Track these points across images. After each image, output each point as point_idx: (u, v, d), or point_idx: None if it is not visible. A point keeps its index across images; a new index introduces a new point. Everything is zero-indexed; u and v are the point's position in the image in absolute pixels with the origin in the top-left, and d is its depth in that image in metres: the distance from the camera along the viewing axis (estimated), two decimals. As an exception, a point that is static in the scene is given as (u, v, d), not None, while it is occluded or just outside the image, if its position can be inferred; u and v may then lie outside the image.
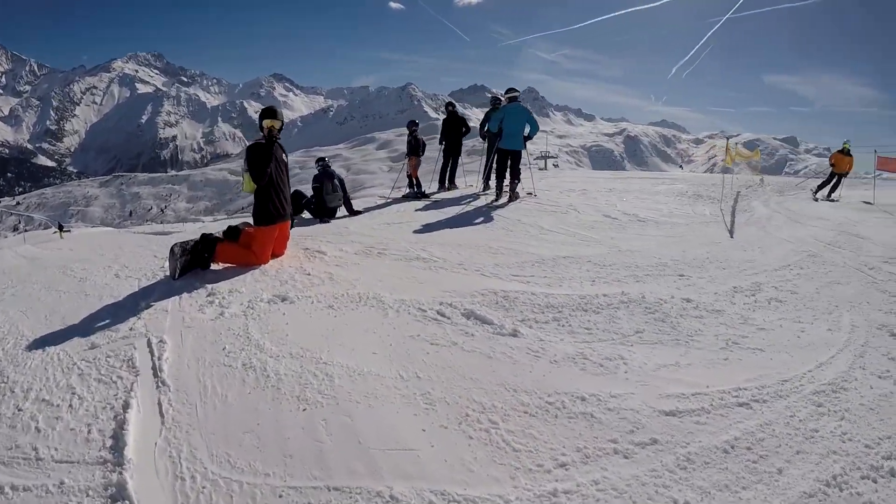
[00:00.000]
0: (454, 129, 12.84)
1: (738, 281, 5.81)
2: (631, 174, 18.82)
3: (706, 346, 4.12)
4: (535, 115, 10.54)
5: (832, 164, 14.51)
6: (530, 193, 11.13)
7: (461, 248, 6.65)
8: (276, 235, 5.95)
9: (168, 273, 5.50)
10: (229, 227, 6.10)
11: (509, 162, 10.58)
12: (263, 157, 5.66)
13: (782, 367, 3.80)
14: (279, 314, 4.49)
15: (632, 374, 3.61)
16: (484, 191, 12.20)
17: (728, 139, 12.96)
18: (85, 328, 4.37)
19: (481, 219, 8.92)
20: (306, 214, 10.21)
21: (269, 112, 5.83)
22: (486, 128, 12.05)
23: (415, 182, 12.45)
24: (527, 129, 10.50)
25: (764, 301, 5.20)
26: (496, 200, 10.58)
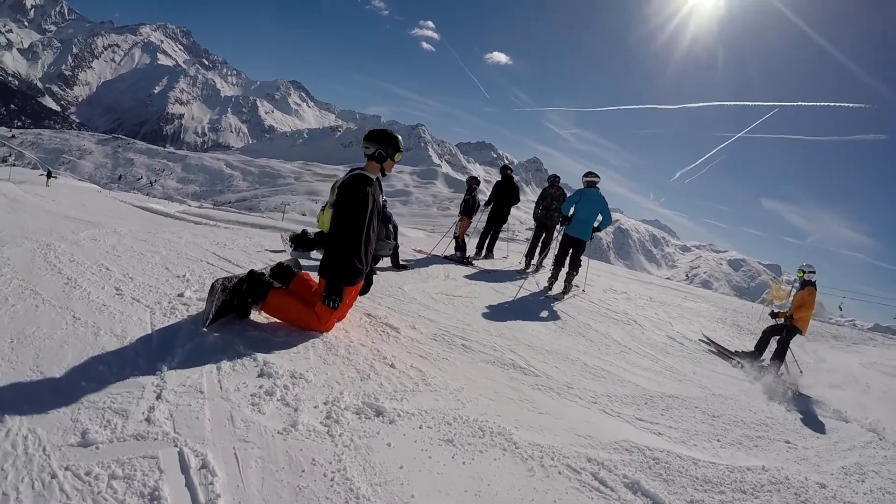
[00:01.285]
0: (507, 195, 11.36)
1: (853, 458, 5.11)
2: (651, 279, 17.64)
3: None
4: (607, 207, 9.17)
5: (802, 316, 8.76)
6: (577, 286, 9.78)
7: (553, 357, 5.46)
8: (352, 297, 4.45)
9: (184, 301, 4.45)
10: (279, 266, 4.59)
11: (571, 250, 9.17)
12: (365, 199, 4.17)
13: None
14: (382, 444, 2.90)
15: None
16: (525, 269, 10.86)
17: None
18: (71, 390, 2.83)
19: (546, 313, 7.63)
20: None
21: (395, 141, 4.38)
22: (540, 207, 10.98)
23: (462, 244, 10.86)
24: (598, 219, 9.18)
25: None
26: (549, 288, 9.21)
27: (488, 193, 11.71)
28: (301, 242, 7.90)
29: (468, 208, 11.11)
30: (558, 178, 11.07)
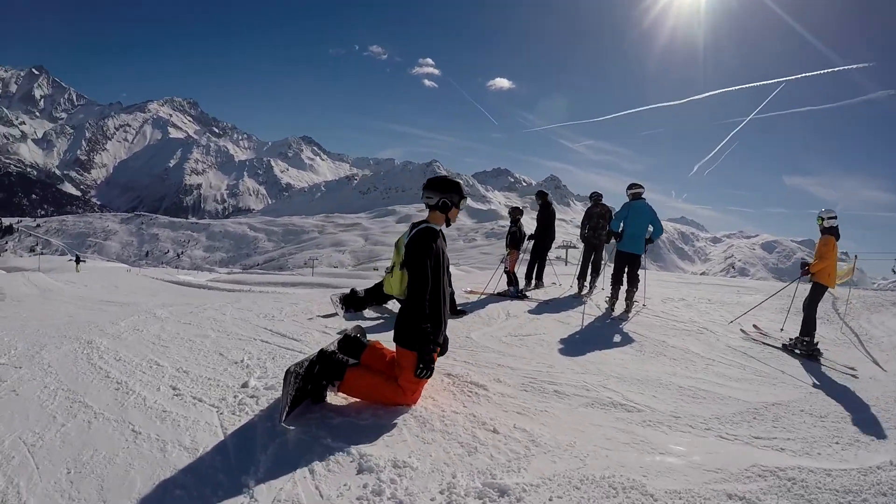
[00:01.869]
0: (548, 222, 11.11)
1: None
2: (699, 279, 17.17)
3: None
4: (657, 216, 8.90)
5: (817, 266, 7.80)
6: (637, 301, 9.48)
7: (647, 385, 5.20)
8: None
9: (250, 393, 4.17)
10: (346, 338, 4.38)
11: (627, 267, 8.93)
12: (438, 254, 3.90)
13: None
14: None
15: None
16: (580, 293, 10.57)
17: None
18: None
19: (619, 336, 7.34)
20: (392, 305, 8.28)
21: (458, 188, 4.09)
22: (587, 228, 10.71)
23: (514, 279, 10.56)
24: (649, 230, 8.95)
25: None
26: (612, 309, 8.93)
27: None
28: (353, 302, 7.63)
29: (515, 240, 10.90)
30: (601, 195, 10.78)
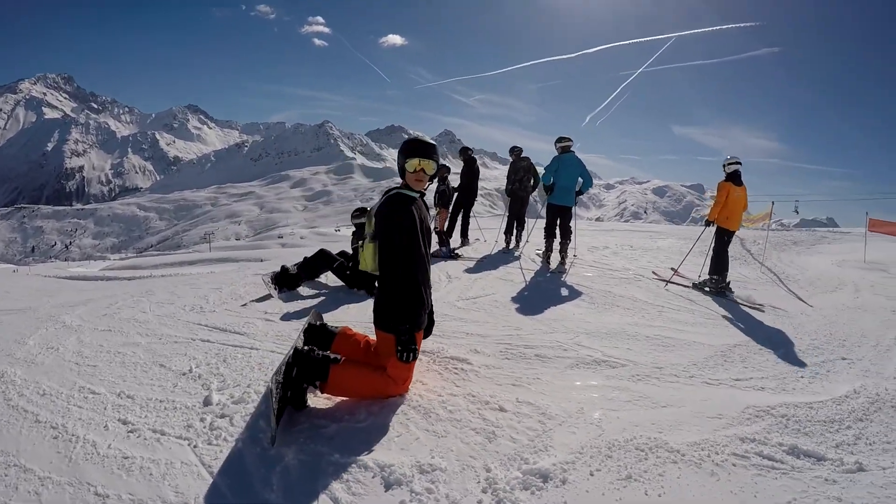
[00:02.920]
0: (471, 178, 10.90)
1: None
2: (612, 226, 17.74)
3: None
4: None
5: (712, 213, 8.26)
6: (573, 253, 9.49)
7: (616, 338, 5.16)
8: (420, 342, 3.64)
9: (218, 412, 3.38)
10: (311, 328, 3.83)
11: (559, 220, 8.84)
12: (411, 221, 3.31)
13: None
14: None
15: None
16: (509, 247, 10.50)
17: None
18: None
19: (565, 290, 7.24)
20: (326, 279, 7.68)
21: (405, 146, 3.47)
22: (513, 181, 10.50)
23: (446, 239, 10.25)
24: (579, 183, 8.84)
25: None
26: (548, 262, 8.92)
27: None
28: (285, 281, 6.96)
29: (444, 199, 10.54)
30: (521, 149, 10.59)
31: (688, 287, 8.06)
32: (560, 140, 8.96)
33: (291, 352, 3.34)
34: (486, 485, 2.61)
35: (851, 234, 17.80)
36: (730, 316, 6.56)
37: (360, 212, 7.78)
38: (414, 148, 3.41)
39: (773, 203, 13.26)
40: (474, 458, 2.84)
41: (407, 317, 3.26)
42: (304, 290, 7.13)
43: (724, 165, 8.25)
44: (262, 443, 2.95)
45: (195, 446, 2.97)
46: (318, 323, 3.94)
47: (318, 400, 3.46)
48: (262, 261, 16.84)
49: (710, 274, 8.13)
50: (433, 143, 3.48)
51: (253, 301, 6.54)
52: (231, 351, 4.56)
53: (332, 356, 3.39)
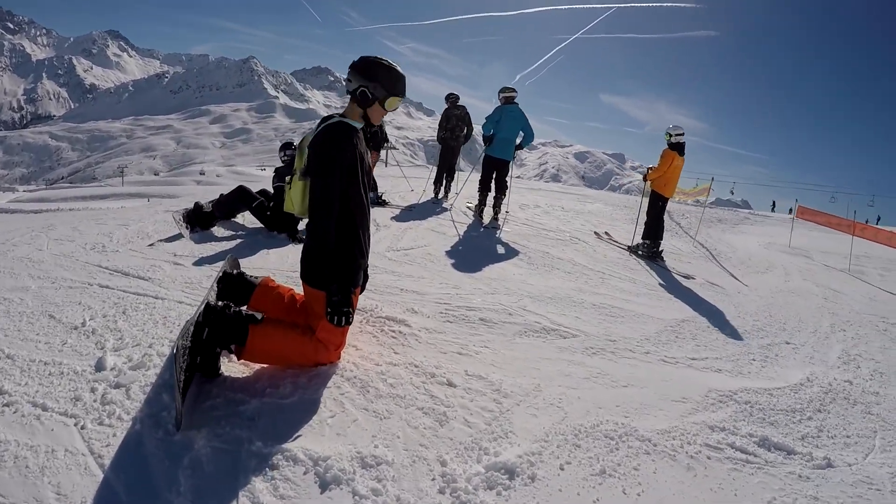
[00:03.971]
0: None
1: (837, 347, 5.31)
2: (538, 185, 17.61)
3: None
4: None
5: (652, 175, 8.37)
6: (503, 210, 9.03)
7: (562, 305, 4.89)
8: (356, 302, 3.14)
9: (113, 381, 2.73)
10: (227, 278, 3.25)
11: (495, 174, 8.38)
12: (352, 157, 2.79)
13: None
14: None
15: None
16: (437, 197, 10.02)
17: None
18: None
19: (501, 248, 6.92)
20: (244, 220, 6.81)
21: (390, 76, 2.88)
22: (445, 130, 9.95)
23: (373, 183, 9.56)
24: (519, 137, 8.41)
25: None
26: (480, 216, 8.53)
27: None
28: (198, 220, 6.13)
29: (377, 141, 9.83)
30: (457, 96, 9.99)
31: (623, 249, 8.08)
32: (504, 90, 8.46)
33: (202, 308, 2.75)
34: (442, 483, 2.19)
35: (771, 218, 18.82)
36: (670, 287, 6.52)
37: (287, 147, 7.03)
38: (402, 84, 2.93)
39: (713, 179, 13.59)
40: (425, 447, 2.40)
41: (340, 272, 2.78)
42: (218, 230, 6.34)
43: (669, 134, 8.24)
44: (165, 424, 2.40)
45: (83, 427, 2.38)
46: (234, 272, 3.34)
47: (232, 366, 2.94)
48: (175, 197, 15.58)
49: (643, 238, 8.17)
50: (402, 73, 2.98)
51: (161, 241, 5.74)
52: (132, 300, 3.90)
53: (251, 314, 2.83)
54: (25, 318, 3.54)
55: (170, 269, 4.75)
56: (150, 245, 5.57)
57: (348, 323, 2.78)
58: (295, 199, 2.94)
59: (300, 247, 5.54)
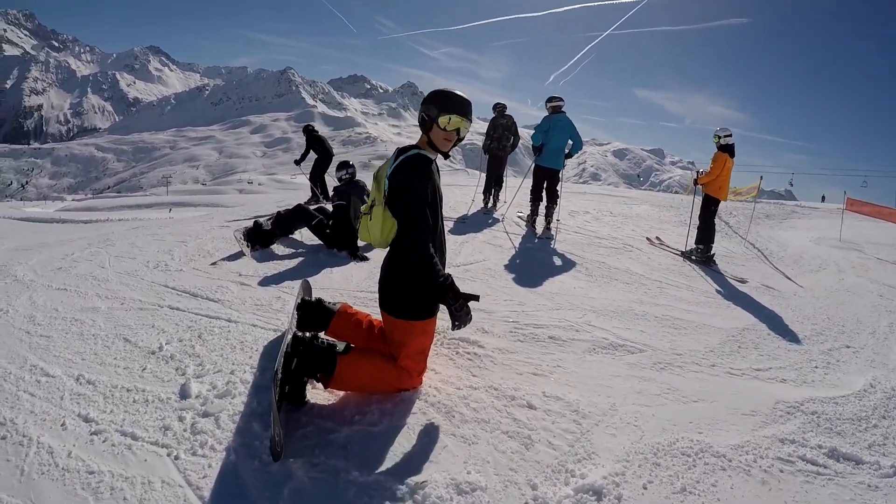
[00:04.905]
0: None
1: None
2: (583, 189, 17.59)
3: None
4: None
5: (704, 179, 8.32)
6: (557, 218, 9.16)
7: (626, 318, 5.01)
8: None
9: (199, 409, 2.89)
10: (305, 305, 3.39)
11: (546, 183, 8.62)
12: (432, 186, 2.94)
13: None
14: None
15: None
16: (487, 207, 10.18)
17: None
18: None
19: (558, 260, 7.08)
20: (301, 237, 7.09)
21: (441, 99, 2.94)
22: (491, 139, 10.10)
23: None
24: (568, 146, 8.60)
25: None
26: (533, 227, 8.69)
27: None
28: (259, 238, 6.42)
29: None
30: (505, 106, 10.15)
31: (676, 255, 8.15)
32: (551, 100, 8.63)
33: (290, 339, 2.90)
34: (533, 505, 2.39)
35: (819, 209, 18.44)
36: (727, 293, 6.57)
37: (345, 166, 7.20)
38: (456, 103, 2.91)
39: (761, 178, 13.39)
40: (514, 471, 2.57)
41: (438, 292, 2.84)
42: (278, 248, 6.59)
43: (717, 136, 8.30)
44: (259, 454, 2.52)
45: (177, 458, 2.49)
46: (313, 299, 3.48)
47: (316, 393, 3.06)
48: (218, 206, 16.09)
49: (696, 243, 8.22)
50: (467, 100, 2.99)
51: (223, 259, 6.02)
52: (206, 323, 4.06)
53: (338, 344, 3.01)
54: (100, 341, 3.72)
55: (237, 289, 4.92)
56: (213, 264, 5.85)
57: (468, 321, 2.89)
58: (374, 230, 2.98)
59: (363, 265, 5.95)
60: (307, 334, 3.01)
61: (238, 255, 6.16)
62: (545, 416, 3.04)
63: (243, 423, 2.74)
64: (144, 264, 5.79)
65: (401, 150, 3.03)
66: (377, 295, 3.12)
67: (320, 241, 6.76)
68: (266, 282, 5.24)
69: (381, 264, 3.15)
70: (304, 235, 7.03)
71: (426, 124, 2.96)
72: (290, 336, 2.95)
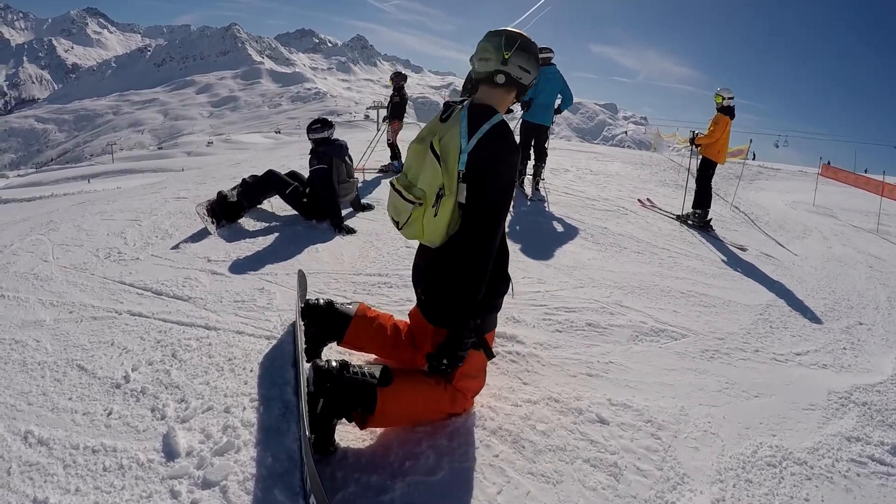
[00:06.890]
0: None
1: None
2: (553, 143, 17.35)
3: None
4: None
5: (702, 140, 8.18)
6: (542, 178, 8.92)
7: (655, 296, 4.89)
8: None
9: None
10: (309, 309, 2.73)
11: (534, 140, 8.38)
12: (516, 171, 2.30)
13: None
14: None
15: None
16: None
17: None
18: None
19: (559, 225, 6.88)
20: (271, 207, 6.27)
21: (534, 48, 2.39)
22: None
23: (397, 152, 9.41)
24: (558, 101, 8.25)
25: None
26: (522, 187, 8.43)
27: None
28: (225, 212, 5.60)
29: (397, 109, 9.59)
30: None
31: (671, 218, 8.17)
32: (541, 50, 8.23)
33: (311, 374, 2.20)
34: None
35: (782, 171, 18.98)
36: (733, 263, 6.62)
37: (322, 125, 6.24)
38: (527, 53, 2.35)
39: (751, 141, 13.70)
40: (636, 497, 2.33)
41: (460, 319, 2.26)
42: (247, 222, 5.78)
43: (720, 97, 8.06)
44: None
45: None
46: (321, 302, 2.75)
47: (348, 433, 2.41)
48: (167, 171, 15.22)
49: (693, 207, 8.18)
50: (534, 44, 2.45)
51: (185, 241, 5.12)
52: (178, 334, 3.24)
53: (384, 378, 2.26)
54: (49, 371, 2.84)
55: (209, 281, 4.13)
56: (174, 248, 4.97)
57: (492, 357, 2.49)
58: (438, 224, 2.27)
59: (351, 239, 5.45)
60: (332, 363, 2.22)
61: (203, 234, 5.32)
62: (621, 432, 2.76)
63: (261, 493, 2.02)
64: (94, 253, 4.81)
65: (475, 110, 2.31)
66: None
67: (295, 212, 6.03)
68: (241, 268, 4.47)
69: (422, 261, 2.57)
70: (275, 205, 6.23)
71: (514, 84, 2.37)
72: (307, 366, 2.29)
